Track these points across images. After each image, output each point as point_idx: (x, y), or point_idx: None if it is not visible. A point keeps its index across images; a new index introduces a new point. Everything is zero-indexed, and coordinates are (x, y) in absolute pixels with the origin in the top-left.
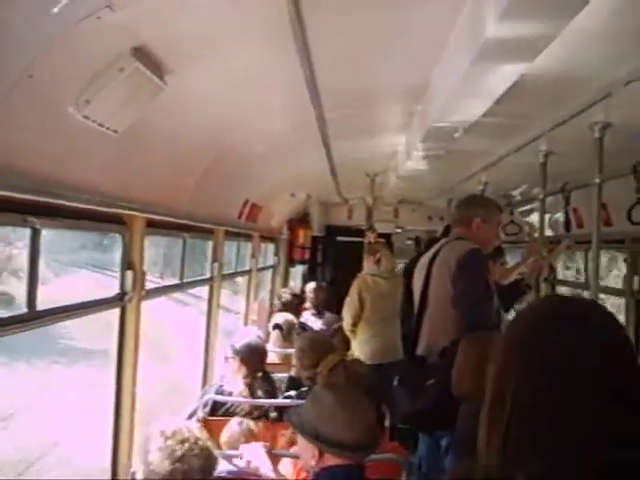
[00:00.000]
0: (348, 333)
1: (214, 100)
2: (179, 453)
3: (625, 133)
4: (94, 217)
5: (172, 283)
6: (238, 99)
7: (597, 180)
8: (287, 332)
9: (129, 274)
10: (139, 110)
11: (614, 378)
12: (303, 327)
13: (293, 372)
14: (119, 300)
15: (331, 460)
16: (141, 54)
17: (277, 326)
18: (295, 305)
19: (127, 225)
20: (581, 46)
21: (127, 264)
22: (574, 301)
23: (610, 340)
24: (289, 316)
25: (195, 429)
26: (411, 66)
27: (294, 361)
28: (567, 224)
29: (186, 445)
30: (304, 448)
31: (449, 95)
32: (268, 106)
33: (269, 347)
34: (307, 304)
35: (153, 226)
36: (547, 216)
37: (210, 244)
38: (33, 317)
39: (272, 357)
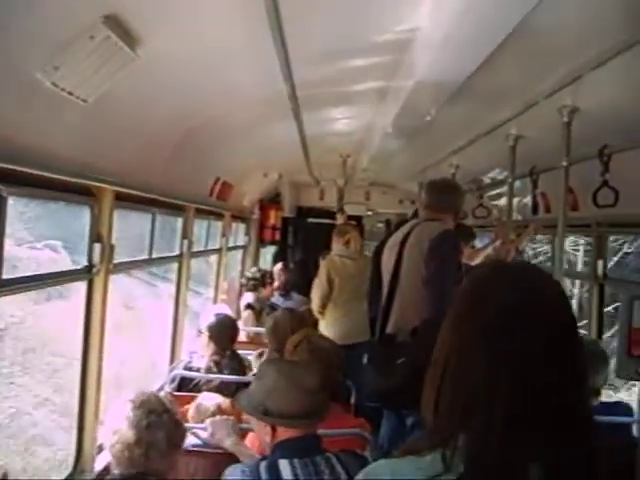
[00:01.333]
0: (317, 314)
1: (185, 74)
2: (144, 422)
3: (593, 117)
4: (62, 187)
5: (140, 258)
6: (209, 74)
7: (564, 164)
8: (259, 311)
9: (97, 247)
10: (109, 80)
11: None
12: (273, 307)
13: (266, 354)
14: (87, 272)
15: (284, 433)
16: (112, 22)
17: (249, 306)
18: (263, 285)
19: (96, 197)
20: (551, 27)
21: (95, 236)
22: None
23: (552, 303)
24: (261, 295)
25: (166, 400)
26: (384, 41)
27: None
28: (534, 208)
29: (153, 416)
30: (258, 428)
31: (421, 74)
32: (240, 82)
33: (240, 326)
34: (275, 284)
35: (122, 199)
36: (516, 200)
37: (180, 222)
38: None
39: (244, 336)
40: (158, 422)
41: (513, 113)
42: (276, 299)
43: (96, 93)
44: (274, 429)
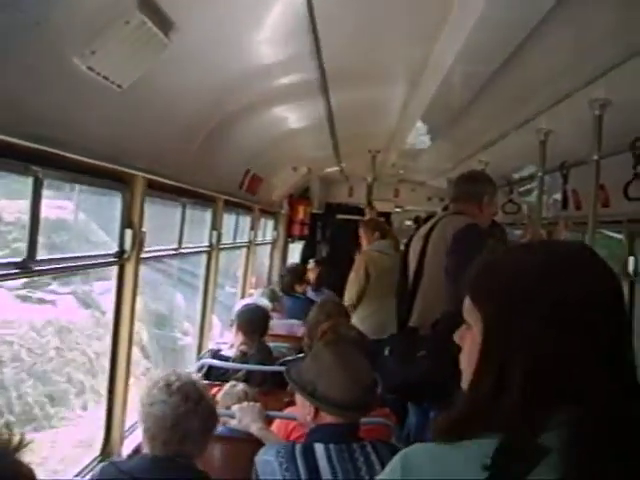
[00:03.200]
0: (349, 309)
1: (218, 61)
2: (182, 409)
3: (625, 110)
4: (96, 172)
5: (170, 247)
6: (242, 63)
7: (595, 158)
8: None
9: (128, 232)
10: (144, 66)
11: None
12: (311, 301)
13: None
14: (117, 258)
15: (327, 418)
16: (147, 8)
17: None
18: (300, 280)
19: (128, 184)
20: (582, 18)
21: (127, 223)
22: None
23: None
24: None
25: (201, 385)
26: (414, 31)
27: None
28: (565, 203)
29: (190, 403)
30: (301, 404)
31: (450, 68)
32: (272, 72)
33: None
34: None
35: (154, 188)
36: (545, 196)
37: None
38: (31, 265)
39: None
40: (195, 409)
41: (543, 107)
42: (309, 294)
43: (131, 79)
44: (317, 411)
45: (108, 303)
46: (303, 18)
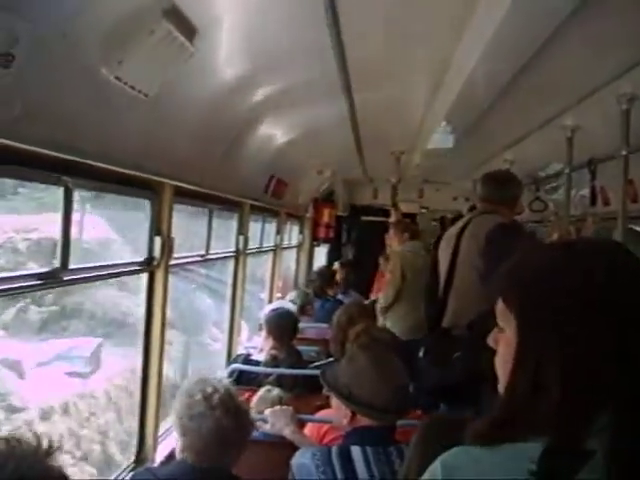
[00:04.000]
0: (381, 310)
1: (240, 69)
2: (224, 422)
3: None
4: (124, 181)
5: (197, 253)
6: (266, 71)
7: (623, 153)
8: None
9: (157, 240)
10: (169, 74)
11: None
12: (341, 302)
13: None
14: (147, 265)
15: (363, 421)
16: (172, 16)
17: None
18: (330, 284)
19: (156, 191)
20: (607, 15)
21: (156, 230)
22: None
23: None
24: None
25: (235, 393)
26: (438, 36)
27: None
28: (593, 199)
29: (229, 416)
30: (337, 407)
31: (474, 66)
32: (295, 78)
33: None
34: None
35: (181, 194)
36: (573, 193)
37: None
38: (64, 275)
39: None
40: (235, 421)
41: (570, 103)
42: (339, 296)
43: (156, 87)
44: (353, 414)
45: None
46: (325, 17)
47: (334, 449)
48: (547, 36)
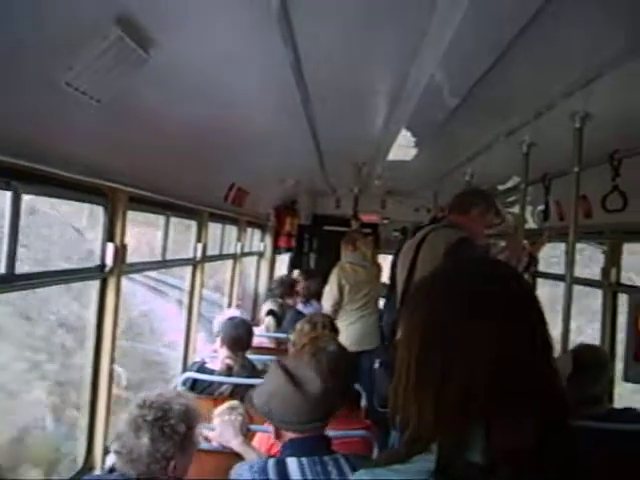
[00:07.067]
0: None
1: (198, 77)
2: (157, 432)
3: (604, 123)
4: (76, 187)
5: (153, 260)
6: (222, 78)
7: (576, 169)
8: (279, 318)
9: (110, 246)
10: (122, 81)
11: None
12: (299, 314)
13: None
14: (99, 272)
15: (289, 434)
16: (125, 23)
17: (271, 312)
18: (290, 293)
19: (109, 198)
20: (563, 30)
21: (109, 236)
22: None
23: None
24: (284, 302)
25: (185, 401)
26: (397, 51)
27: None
28: (546, 214)
29: (169, 423)
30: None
31: (430, 77)
32: (253, 88)
33: (262, 332)
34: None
35: (136, 201)
36: (531, 208)
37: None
38: (11, 280)
39: (268, 343)
40: (172, 428)
41: (526, 119)
42: (298, 306)
43: (109, 93)
44: (278, 429)
45: None
46: (280, 29)
47: (270, 461)
48: (500, 51)
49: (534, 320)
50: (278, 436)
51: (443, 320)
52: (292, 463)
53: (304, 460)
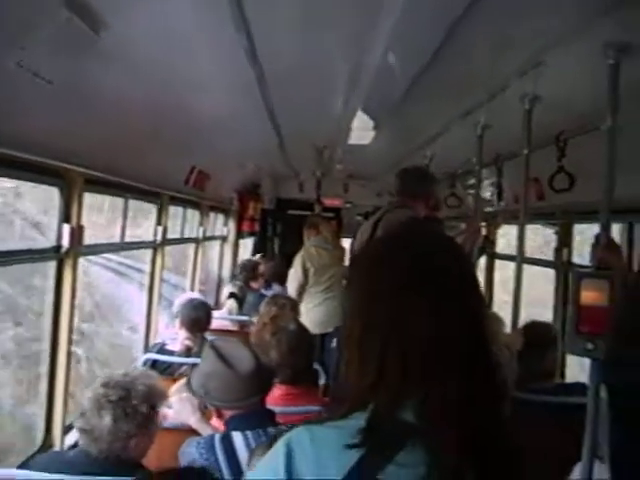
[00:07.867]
0: None
1: (150, 59)
2: (120, 411)
3: (552, 105)
4: (31, 168)
5: (111, 242)
6: (176, 60)
7: (525, 151)
8: (241, 301)
9: (66, 227)
10: (73, 62)
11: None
12: (262, 296)
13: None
14: (55, 252)
15: (229, 412)
16: (74, 4)
17: (232, 295)
18: (254, 276)
19: (65, 179)
20: (512, 10)
21: (65, 217)
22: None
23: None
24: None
25: (145, 380)
26: (349, 31)
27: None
28: (499, 196)
29: (131, 402)
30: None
31: (382, 58)
32: (208, 69)
33: (225, 315)
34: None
35: (93, 183)
36: (491, 190)
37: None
38: None
39: (230, 325)
40: (135, 408)
41: (479, 101)
42: (262, 290)
43: (61, 75)
44: (218, 409)
45: None
46: (233, 16)
47: (217, 436)
48: (448, 30)
49: (470, 298)
50: (219, 415)
51: (377, 296)
52: (237, 437)
53: (249, 433)
